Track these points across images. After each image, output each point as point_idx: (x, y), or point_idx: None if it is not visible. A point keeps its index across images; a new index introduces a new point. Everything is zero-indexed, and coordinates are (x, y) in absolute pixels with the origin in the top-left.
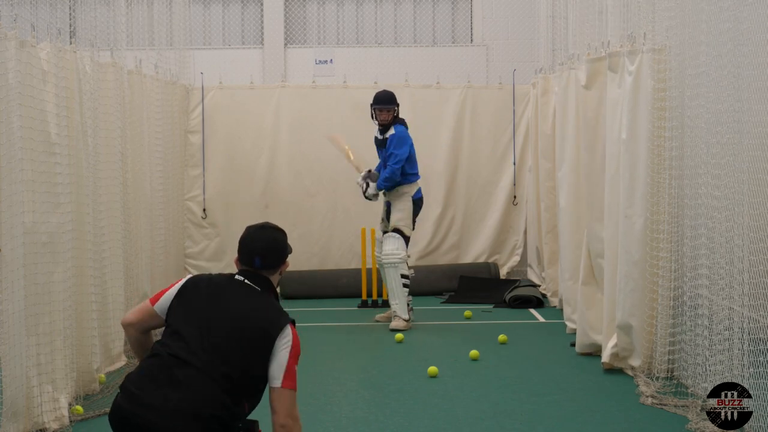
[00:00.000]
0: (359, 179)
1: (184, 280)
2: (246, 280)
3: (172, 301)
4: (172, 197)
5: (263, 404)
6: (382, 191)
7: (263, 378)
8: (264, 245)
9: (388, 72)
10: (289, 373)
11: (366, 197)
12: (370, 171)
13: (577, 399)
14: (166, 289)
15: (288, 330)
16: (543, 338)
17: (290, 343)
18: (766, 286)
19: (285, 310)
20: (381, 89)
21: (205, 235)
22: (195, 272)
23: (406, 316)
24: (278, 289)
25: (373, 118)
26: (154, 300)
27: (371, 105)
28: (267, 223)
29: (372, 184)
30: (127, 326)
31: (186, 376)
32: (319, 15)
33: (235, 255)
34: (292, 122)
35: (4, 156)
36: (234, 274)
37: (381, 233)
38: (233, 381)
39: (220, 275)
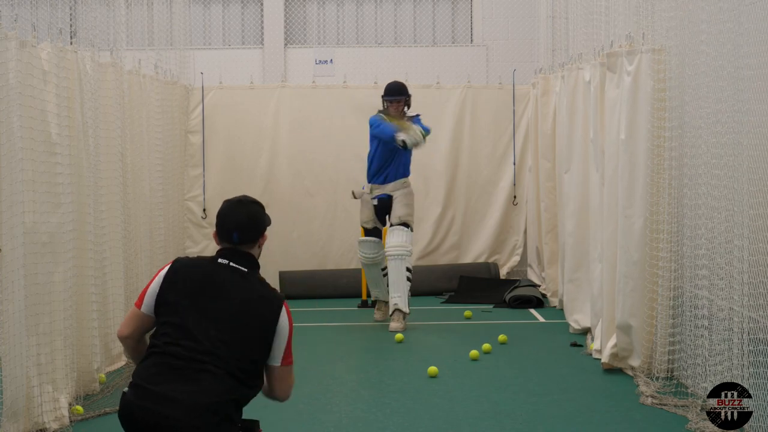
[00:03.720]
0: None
1: (164, 271)
2: (231, 263)
3: (158, 294)
4: (172, 197)
5: (263, 404)
6: (371, 188)
7: (265, 352)
8: (241, 220)
9: (388, 72)
10: (288, 351)
11: (406, 141)
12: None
13: (577, 399)
14: (147, 287)
15: (283, 311)
16: (543, 338)
17: (287, 325)
18: (766, 286)
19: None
20: (391, 81)
21: (205, 235)
22: None
23: (407, 310)
24: (276, 284)
25: (384, 110)
26: (139, 303)
27: (382, 97)
28: (244, 196)
29: (406, 131)
30: (124, 339)
31: (196, 370)
32: (319, 15)
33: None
34: (292, 122)
35: (4, 156)
36: (216, 257)
37: (371, 228)
38: (242, 369)
39: (201, 260)
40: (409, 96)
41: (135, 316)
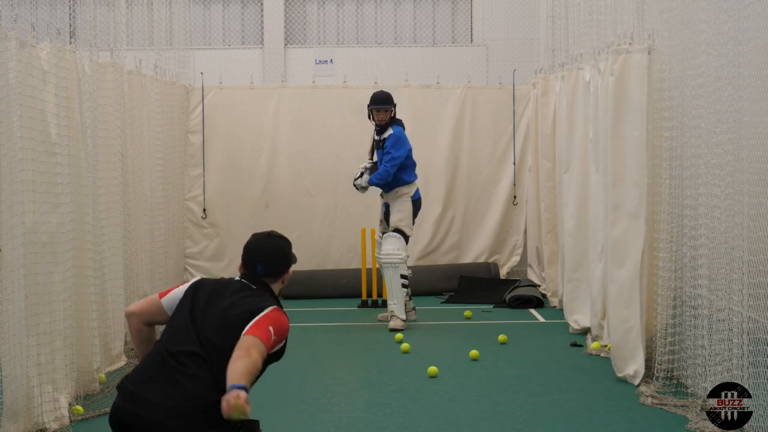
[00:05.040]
0: (361, 165)
1: (191, 282)
2: (244, 280)
3: (180, 300)
4: (172, 197)
5: (263, 404)
6: (380, 193)
7: None
8: (267, 253)
9: (388, 72)
10: (259, 326)
11: (354, 184)
12: (374, 163)
13: (577, 399)
14: (176, 287)
15: (272, 308)
16: (543, 338)
17: (269, 310)
18: (766, 286)
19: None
20: (378, 90)
21: (205, 235)
22: (195, 272)
23: (404, 317)
24: (279, 297)
25: (370, 118)
26: (164, 294)
27: (368, 106)
28: (273, 231)
29: (366, 176)
30: (129, 315)
31: (183, 372)
32: (319, 15)
33: (238, 258)
34: (292, 122)
35: (4, 156)
36: (235, 277)
37: (380, 234)
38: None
39: (223, 279)
40: (393, 105)
41: (152, 302)
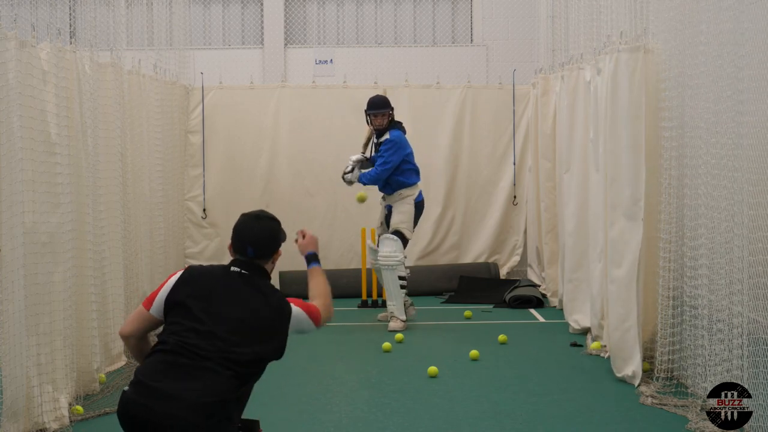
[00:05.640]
0: (353, 158)
1: (178, 275)
2: (243, 271)
3: (169, 295)
4: (172, 197)
5: (263, 404)
6: (382, 196)
7: (273, 355)
8: (257, 236)
9: (388, 72)
10: (312, 315)
11: (343, 177)
12: (367, 158)
13: (577, 399)
14: (158, 289)
15: (294, 311)
16: (543, 338)
17: (300, 313)
18: (766, 286)
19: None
20: (376, 94)
21: (205, 235)
22: None
23: (404, 317)
24: (271, 276)
25: (368, 123)
26: (148, 303)
27: (365, 111)
28: (262, 212)
29: (357, 171)
30: (126, 337)
31: (201, 368)
32: (319, 15)
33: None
34: (292, 122)
35: (4, 156)
36: (230, 266)
37: (378, 237)
38: (245, 368)
39: (214, 267)
40: (391, 109)
41: (140, 316)
